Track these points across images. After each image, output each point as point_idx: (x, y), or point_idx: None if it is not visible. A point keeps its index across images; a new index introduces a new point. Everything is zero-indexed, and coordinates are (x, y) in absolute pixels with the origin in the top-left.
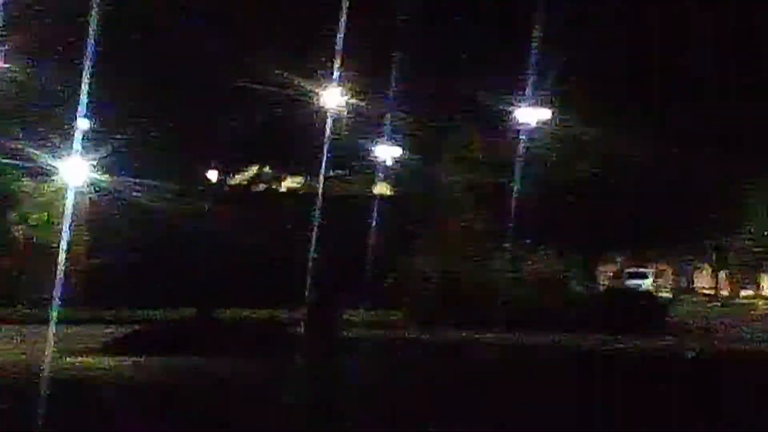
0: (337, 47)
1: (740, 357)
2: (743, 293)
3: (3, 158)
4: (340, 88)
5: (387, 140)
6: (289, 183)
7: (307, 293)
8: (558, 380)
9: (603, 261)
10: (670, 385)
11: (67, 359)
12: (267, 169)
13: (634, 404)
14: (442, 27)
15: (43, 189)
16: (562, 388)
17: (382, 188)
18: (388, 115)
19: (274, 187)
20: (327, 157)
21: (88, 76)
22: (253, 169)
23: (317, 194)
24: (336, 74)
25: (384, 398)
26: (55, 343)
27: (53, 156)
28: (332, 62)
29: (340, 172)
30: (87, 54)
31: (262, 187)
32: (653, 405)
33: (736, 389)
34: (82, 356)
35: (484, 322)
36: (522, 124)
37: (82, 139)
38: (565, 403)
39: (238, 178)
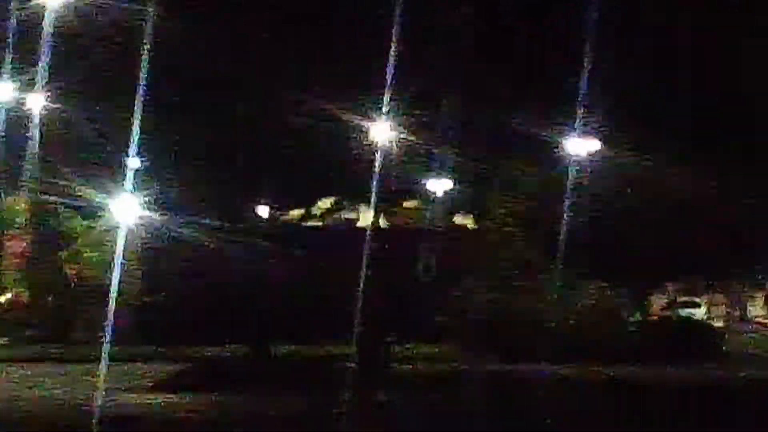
0: (387, 82)
1: None
2: None
3: (54, 197)
4: (390, 122)
5: (438, 173)
6: (339, 217)
7: (357, 328)
8: None
9: (655, 291)
10: None
11: (119, 397)
12: (318, 204)
13: None
14: (490, 60)
15: (95, 227)
16: None
17: (466, 219)
18: (439, 148)
19: (325, 222)
20: (377, 190)
21: (139, 114)
22: (305, 206)
23: (367, 228)
24: (385, 109)
25: None
26: (107, 380)
27: (104, 194)
28: (382, 97)
29: (390, 205)
30: (137, 93)
31: (313, 222)
32: None
33: None
34: (134, 394)
35: (536, 355)
36: (572, 154)
37: (133, 177)
38: None
39: (290, 214)
